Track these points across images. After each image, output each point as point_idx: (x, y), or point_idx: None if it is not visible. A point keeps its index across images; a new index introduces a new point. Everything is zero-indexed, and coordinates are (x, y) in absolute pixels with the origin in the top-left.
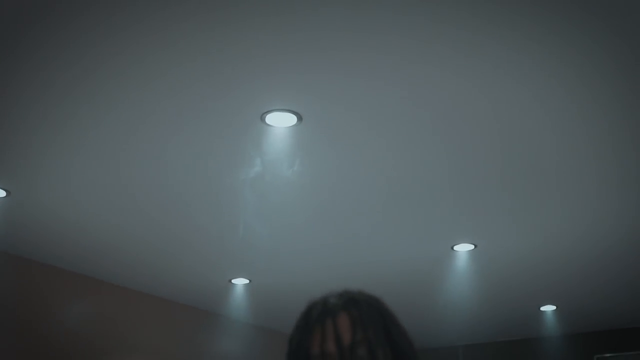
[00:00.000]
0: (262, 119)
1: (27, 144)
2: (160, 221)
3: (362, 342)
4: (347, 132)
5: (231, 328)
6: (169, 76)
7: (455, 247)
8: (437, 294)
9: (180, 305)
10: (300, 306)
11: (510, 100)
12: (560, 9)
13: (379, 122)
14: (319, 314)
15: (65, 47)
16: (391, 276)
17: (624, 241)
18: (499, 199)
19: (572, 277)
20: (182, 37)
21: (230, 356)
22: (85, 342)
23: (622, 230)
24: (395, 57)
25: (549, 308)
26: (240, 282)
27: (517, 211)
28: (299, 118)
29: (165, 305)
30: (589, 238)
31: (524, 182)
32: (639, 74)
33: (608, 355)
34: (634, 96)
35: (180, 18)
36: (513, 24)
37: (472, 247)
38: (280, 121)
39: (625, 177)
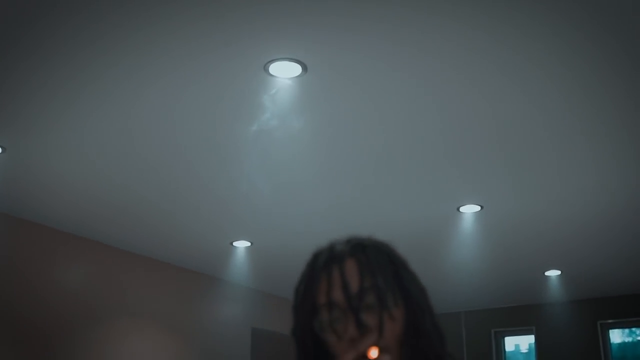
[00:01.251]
0: (266, 69)
1: (24, 98)
2: (161, 180)
3: (370, 288)
4: (354, 85)
5: (232, 292)
6: (169, 30)
7: (462, 209)
8: (441, 258)
9: (180, 268)
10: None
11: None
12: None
13: (389, 77)
14: (325, 261)
15: (72, 10)
16: (396, 238)
17: (629, 208)
18: (506, 160)
19: (578, 242)
20: None
21: (231, 320)
22: (83, 305)
23: (627, 196)
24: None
25: (553, 273)
26: (241, 244)
27: (525, 173)
28: (304, 68)
29: (165, 268)
30: (595, 203)
31: (531, 145)
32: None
33: (610, 321)
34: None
35: None
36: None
37: (478, 208)
38: (284, 71)
39: (631, 142)
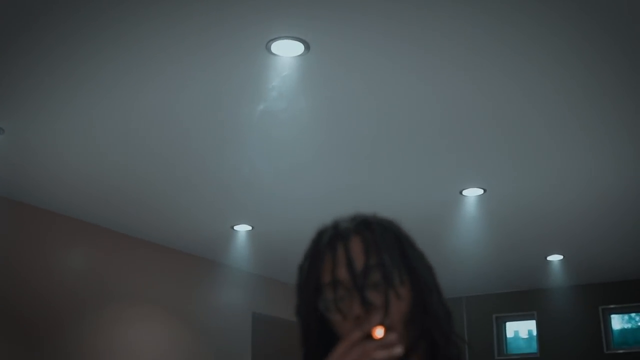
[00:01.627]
0: (267, 47)
1: (24, 79)
2: (163, 163)
3: (376, 266)
4: (357, 67)
5: (233, 277)
6: (170, 11)
7: (464, 192)
8: (443, 242)
9: (181, 253)
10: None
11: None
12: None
13: (392, 62)
14: (329, 239)
15: None
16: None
17: (631, 193)
18: (509, 143)
19: (581, 226)
20: None
21: (232, 305)
22: (83, 289)
23: (629, 181)
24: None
25: (555, 258)
26: (242, 228)
27: (527, 156)
28: (307, 47)
29: (165, 252)
30: (597, 187)
31: (532, 129)
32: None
33: (612, 306)
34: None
35: None
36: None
37: (481, 191)
38: (287, 50)
39: (631, 129)
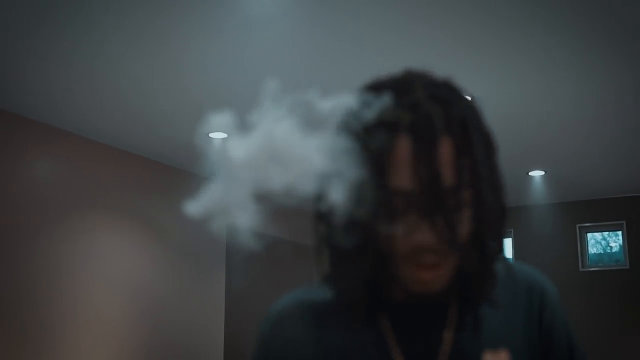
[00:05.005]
0: None
1: None
2: (137, 58)
3: (468, 186)
4: None
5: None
6: None
7: None
8: None
9: (153, 162)
10: None
11: None
12: None
13: None
14: (409, 125)
15: None
16: None
17: (612, 110)
18: (501, 47)
19: (564, 142)
20: None
21: (205, 218)
22: (48, 198)
23: (611, 99)
24: None
25: (537, 173)
26: (218, 136)
27: (516, 62)
28: None
29: (137, 161)
30: (579, 104)
31: (524, 34)
32: None
33: (588, 224)
34: None
35: None
36: None
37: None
38: None
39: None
